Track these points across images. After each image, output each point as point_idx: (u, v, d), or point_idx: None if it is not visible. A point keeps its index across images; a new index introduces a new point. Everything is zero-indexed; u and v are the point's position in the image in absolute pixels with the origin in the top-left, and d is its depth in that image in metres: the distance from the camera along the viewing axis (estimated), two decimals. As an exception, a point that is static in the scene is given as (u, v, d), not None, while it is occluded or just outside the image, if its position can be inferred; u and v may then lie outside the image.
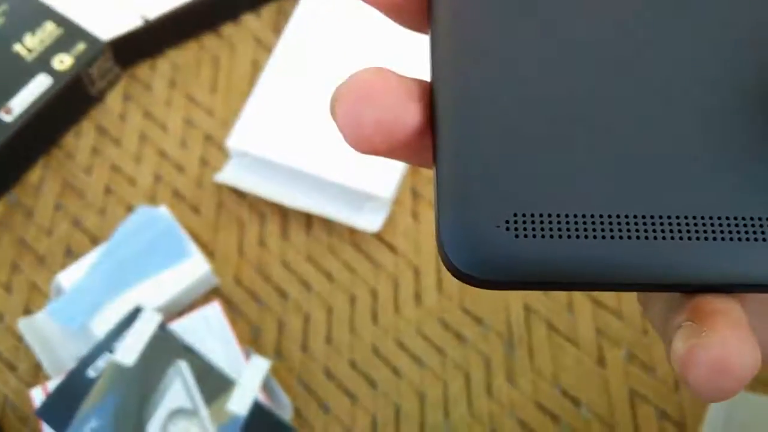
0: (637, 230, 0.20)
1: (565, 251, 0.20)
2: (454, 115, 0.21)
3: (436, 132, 0.21)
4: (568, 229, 0.20)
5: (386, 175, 0.72)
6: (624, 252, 0.20)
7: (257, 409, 0.64)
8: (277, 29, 0.83)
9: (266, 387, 0.66)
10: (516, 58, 0.21)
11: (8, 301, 0.71)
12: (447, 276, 0.72)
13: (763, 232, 0.20)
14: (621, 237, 0.20)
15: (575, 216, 0.20)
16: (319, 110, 0.75)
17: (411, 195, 0.75)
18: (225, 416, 0.63)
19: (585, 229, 0.20)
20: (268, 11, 0.85)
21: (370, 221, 0.73)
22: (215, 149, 0.78)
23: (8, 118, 0.73)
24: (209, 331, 0.67)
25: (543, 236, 0.20)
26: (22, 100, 0.74)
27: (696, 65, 0.21)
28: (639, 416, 0.66)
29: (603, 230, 0.20)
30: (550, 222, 0.20)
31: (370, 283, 0.72)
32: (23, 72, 0.76)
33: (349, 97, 0.21)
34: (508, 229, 0.20)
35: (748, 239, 0.20)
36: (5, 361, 0.69)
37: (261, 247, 0.74)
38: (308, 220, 0.74)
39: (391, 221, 0.74)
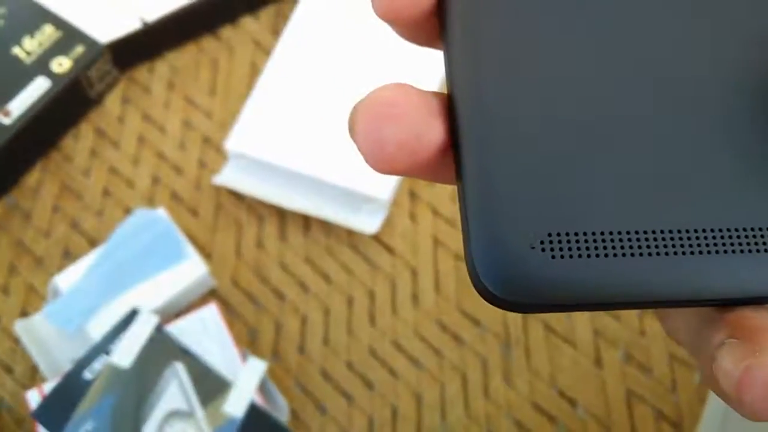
0: (679, 245, 0.19)
1: (607, 271, 0.19)
2: (480, 132, 0.20)
3: (460, 149, 0.20)
4: (605, 248, 0.19)
5: (384, 177, 0.72)
6: (668, 268, 0.19)
7: (253, 411, 0.64)
8: (276, 32, 0.83)
9: (263, 389, 0.66)
10: (541, 70, 0.21)
11: (5, 303, 0.71)
12: (444, 277, 0.71)
13: None
14: (662, 253, 0.19)
15: (612, 234, 0.19)
16: (317, 112, 0.75)
17: (409, 197, 0.75)
18: (221, 418, 0.63)
19: (624, 247, 0.19)
20: (266, 14, 0.85)
21: (367, 223, 0.73)
22: (213, 151, 0.78)
23: (7, 121, 0.73)
24: (206, 333, 0.67)
25: (581, 256, 0.19)
26: (21, 103, 0.74)
27: (719, 76, 0.21)
28: (636, 417, 0.66)
29: (642, 247, 0.19)
30: (587, 241, 0.19)
31: (367, 284, 0.72)
32: (22, 74, 0.76)
33: (369, 115, 0.20)
34: (543, 250, 0.19)
35: None
36: (2, 363, 0.69)
37: (259, 248, 0.74)
38: (306, 221, 0.74)
39: (388, 223, 0.74)
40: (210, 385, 0.65)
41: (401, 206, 0.74)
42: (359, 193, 0.72)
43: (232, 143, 0.74)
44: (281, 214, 0.75)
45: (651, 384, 0.67)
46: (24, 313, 0.71)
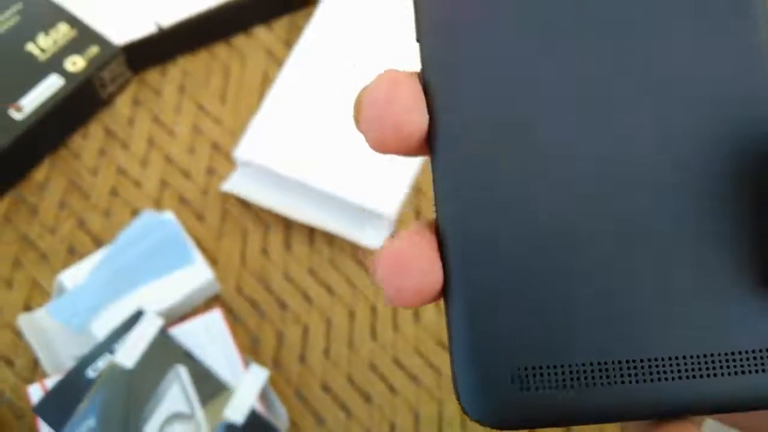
0: (632, 374, 0.22)
1: (573, 400, 0.22)
2: (465, 274, 0.23)
3: (448, 289, 0.23)
4: (572, 379, 0.22)
5: (391, 194, 0.73)
6: (620, 395, 0.22)
7: (253, 418, 0.64)
8: (289, 43, 0.84)
9: (263, 396, 0.67)
10: (521, 209, 0.23)
11: (9, 296, 0.71)
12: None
13: (735, 366, 0.22)
14: (618, 381, 0.22)
15: (579, 365, 0.22)
16: (327, 125, 0.75)
17: (414, 215, 0.76)
18: (221, 423, 0.64)
19: (587, 378, 0.22)
20: (279, 25, 0.86)
21: (372, 238, 0.73)
22: (222, 158, 0.78)
23: (18, 116, 0.74)
24: (209, 338, 0.68)
25: (549, 387, 0.22)
26: (33, 99, 0.75)
27: (693, 186, 0.23)
28: None
29: (603, 377, 0.22)
30: (554, 373, 0.22)
31: (370, 298, 0.73)
32: (36, 71, 0.76)
33: (387, 267, 0.23)
34: (516, 382, 0.22)
35: (711, 375, 0.22)
36: (3, 355, 0.69)
37: (263, 256, 0.74)
38: (311, 232, 0.75)
39: (393, 239, 0.74)
40: (211, 390, 0.65)
41: (406, 224, 0.75)
42: (366, 208, 0.73)
43: (241, 151, 0.75)
44: (287, 223, 0.75)
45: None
46: (27, 307, 0.71)
